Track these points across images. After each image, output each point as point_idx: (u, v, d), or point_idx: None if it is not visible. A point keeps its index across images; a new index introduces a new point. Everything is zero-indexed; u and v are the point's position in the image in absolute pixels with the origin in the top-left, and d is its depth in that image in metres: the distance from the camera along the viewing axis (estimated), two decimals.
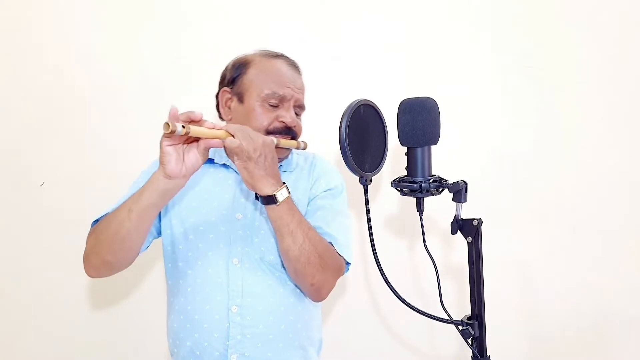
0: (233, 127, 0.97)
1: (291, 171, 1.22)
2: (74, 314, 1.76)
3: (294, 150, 1.23)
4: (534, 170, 1.72)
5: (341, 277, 1.15)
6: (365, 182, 0.90)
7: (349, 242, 1.16)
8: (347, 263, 1.14)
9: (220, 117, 1.24)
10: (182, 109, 1.83)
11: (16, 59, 1.73)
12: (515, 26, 1.71)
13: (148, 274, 1.77)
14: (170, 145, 0.92)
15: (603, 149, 1.71)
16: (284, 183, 1.01)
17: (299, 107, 1.19)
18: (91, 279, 1.73)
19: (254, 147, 0.95)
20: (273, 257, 1.12)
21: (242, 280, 1.09)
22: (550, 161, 1.71)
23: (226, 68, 1.23)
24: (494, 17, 1.71)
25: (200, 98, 1.72)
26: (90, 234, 1.11)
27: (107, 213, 1.09)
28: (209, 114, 1.73)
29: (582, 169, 1.71)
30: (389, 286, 0.86)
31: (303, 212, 1.15)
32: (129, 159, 1.73)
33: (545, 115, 1.71)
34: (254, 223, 1.13)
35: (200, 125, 0.91)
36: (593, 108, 1.71)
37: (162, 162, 0.93)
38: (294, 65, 1.21)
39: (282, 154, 1.17)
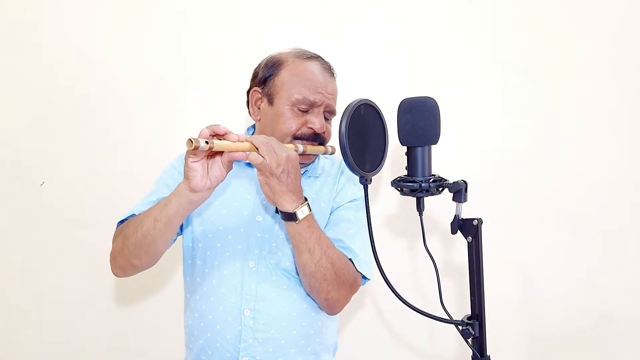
0: (258, 140, 0.94)
1: (317, 177, 1.20)
2: (74, 313, 1.76)
3: (321, 155, 1.21)
4: (534, 170, 1.72)
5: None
6: (365, 182, 0.90)
7: (370, 257, 1.14)
8: (365, 278, 1.13)
9: (250, 115, 1.22)
10: (181, 109, 1.83)
11: (16, 59, 1.73)
12: (515, 26, 1.71)
13: (151, 276, 1.76)
14: (195, 161, 0.92)
15: (603, 149, 1.71)
16: (305, 199, 1.00)
17: (330, 112, 1.16)
18: (90, 279, 1.74)
19: (277, 163, 0.93)
20: (289, 263, 1.11)
21: (257, 284, 1.09)
22: (550, 161, 1.71)
23: (259, 65, 1.20)
24: (494, 17, 1.71)
25: (200, 98, 1.72)
26: (116, 236, 1.11)
27: (133, 214, 1.10)
28: (210, 114, 1.74)
29: (582, 168, 1.71)
30: (389, 286, 0.86)
31: (325, 221, 1.15)
32: (129, 158, 1.73)
33: (545, 115, 1.71)
34: (274, 227, 1.13)
35: (225, 139, 0.91)
36: (593, 108, 1.71)
37: (187, 176, 0.93)
38: (327, 69, 1.17)
39: (309, 159, 1.16)
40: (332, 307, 1.10)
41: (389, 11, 1.70)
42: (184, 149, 1.59)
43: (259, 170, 0.94)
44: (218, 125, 0.90)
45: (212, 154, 0.94)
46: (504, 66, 1.71)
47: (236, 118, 1.70)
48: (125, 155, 1.73)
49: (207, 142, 0.84)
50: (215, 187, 0.97)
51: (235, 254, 1.11)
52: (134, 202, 1.69)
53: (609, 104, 1.70)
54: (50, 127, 1.73)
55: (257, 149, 0.94)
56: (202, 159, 0.93)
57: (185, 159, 0.93)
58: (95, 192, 1.73)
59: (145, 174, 1.72)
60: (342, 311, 1.16)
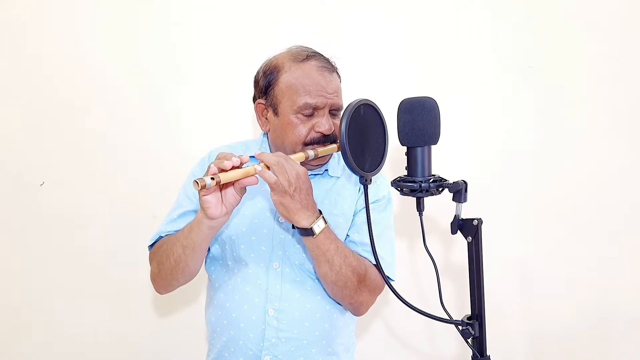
0: (268, 159, 0.94)
1: (338, 177, 1.19)
2: (73, 313, 1.76)
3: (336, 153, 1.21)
4: (534, 170, 1.72)
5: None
6: (365, 182, 0.90)
7: (394, 259, 1.17)
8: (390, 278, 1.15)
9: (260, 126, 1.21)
10: (180, 110, 1.82)
11: (15, 60, 1.72)
12: (515, 26, 1.71)
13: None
14: (208, 194, 0.94)
15: (603, 149, 1.71)
16: (320, 212, 1.00)
17: (336, 110, 1.14)
18: (90, 279, 1.74)
19: (289, 182, 0.93)
20: (313, 265, 1.11)
21: (281, 285, 1.11)
22: (551, 161, 1.71)
23: (258, 73, 1.18)
24: (494, 17, 1.71)
25: (198, 98, 1.72)
26: (151, 260, 1.16)
27: (160, 236, 1.16)
28: (209, 113, 1.73)
29: (582, 168, 1.71)
30: (389, 286, 0.86)
31: (348, 224, 1.16)
32: (128, 159, 1.73)
33: (546, 115, 1.71)
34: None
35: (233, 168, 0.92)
36: (593, 108, 1.71)
37: (202, 207, 0.96)
38: (325, 66, 1.13)
39: (325, 160, 1.16)
40: (357, 309, 1.13)
41: (389, 11, 1.70)
42: (185, 150, 1.59)
43: (272, 189, 0.94)
44: (223, 160, 0.91)
45: (225, 185, 0.95)
46: (504, 66, 1.71)
47: (234, 116, 1.70)
48: (124, 155, 1.73)
49: (212, 179, 0.86)
50: (232, 211, 0.99)
51: (259, 255, 1.13)
52: (134, 204, 1.69)
53: (609, 104, 1.70)
54: (50, 128, 1.73)
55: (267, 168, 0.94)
56: (214, 191, 0.95)
57: (199, 193, 0.94)
58: (95, 192, 1.73)
59: (145, 175, 1.72)
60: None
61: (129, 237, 1.69)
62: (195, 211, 1.11)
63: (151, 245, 1.18)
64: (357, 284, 1.06)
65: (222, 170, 0.90)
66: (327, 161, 1.18)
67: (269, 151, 1.20)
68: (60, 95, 1.72)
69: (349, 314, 1.20)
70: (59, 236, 1.74)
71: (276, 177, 0.93)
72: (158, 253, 1.12)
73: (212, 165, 0.91)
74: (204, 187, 0.85)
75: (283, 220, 1.13)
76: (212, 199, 0.95)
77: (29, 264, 1.75)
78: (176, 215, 1.15)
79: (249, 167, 0.93)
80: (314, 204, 1.00)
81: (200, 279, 1.23)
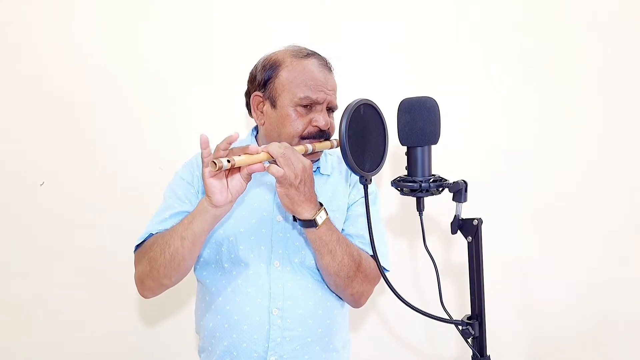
0: (276, 151, 0.95)
1: (329, 175, 1.22)
2: (73, 314, 1.76)
3: (326, 150, 1.22)
4: (534, 170, 1.72)
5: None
6: (365, 182, 0.90)
7: (387, 248, 1.19)
8: (385, 269, 1.16)
9: (250, 115, 1.23)
10: (180, 109, 1.82)
11: (16, 59, 1.72)
12: (515, 26, 1.71)
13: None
14: (213, 177, 0.94)
15: (603, 149, 1.71)
16: (321, 204, 1.02)
17: (332, 108, 1.17)
18: (89, 280, 1.74)
19: (295, 174, 0.95)
20: (313, 261, 1.13)
21: (283, 284, 1.11)
22: (551, 161, 1.71)
23: (255, 67, 1.19)
24: (495, 17, 1.71)
25: (200, 98, 1.72)
26: (140, 259, 1.11)
27: (150, 234, 1.12)
28: (209, 114, 1.73)
29: (583, 168, 1.71)
30: (389, 286, 0.86)
31: (343, 219, 1.18)
32: (129, 159, 1.73)
33: (546, 115, 1.71)
34: (295, 226, 1.14)
35: (244, 152, 0.93)
36: (593, 107, 1.71)
37: (207, 193, 0.95)
38: (325, 65, 1.17)
39: (318, 156, 1.18)
40: (357, 300, 1.14)
41: (389, 11, 1.70)
42: (185, 150, 1.59)
43: (278, 182, 0.95)
44: (231, 135, 0.92)
45: (233, 170, 0.95)
46: (504, 66, 1.71)
47: (235, 115, 1.70)
48: (125, 155, 1.73)
49: (229, 161, 0.87)
50: (236, 199, 0.98)
51: (259, 255, 1.12)
52: (134, 204, 1.69)
53: (609, 104, 1.70)
54: (50, 128, 1.73)
55: (272, 157, 0.95)
56: (219, 174, 0.94)
57: (203, 176, 0.94)
58: (95, 192, 1.73)
59: (145, 175, 1.72)
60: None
61: (129, 237, 1.67)
62: (187, 212, 1.10)
63: (138, 246, 1.14)
64: (359, 273, 1.08)
65: (232, 153, 0.91)
66: (319, 157, 1.20)
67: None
68: (60, 95, 1.72)
69: (346, 310, 1.21)
70: (59, 236, 1.74)
71: (283, 171, 0.93)
72: (151, 249, 1.07)
73: (218, 148, 0.92)
74: (220, 168, 0.86)
75: (281, 219, 1.14)
76: (218, 183, 0.94)
77: (29, 264, 1.75)
78: (168, 216, 1.12)
79: (261, 154, 0.94)
80: (316, 196, 1.01)
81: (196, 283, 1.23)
